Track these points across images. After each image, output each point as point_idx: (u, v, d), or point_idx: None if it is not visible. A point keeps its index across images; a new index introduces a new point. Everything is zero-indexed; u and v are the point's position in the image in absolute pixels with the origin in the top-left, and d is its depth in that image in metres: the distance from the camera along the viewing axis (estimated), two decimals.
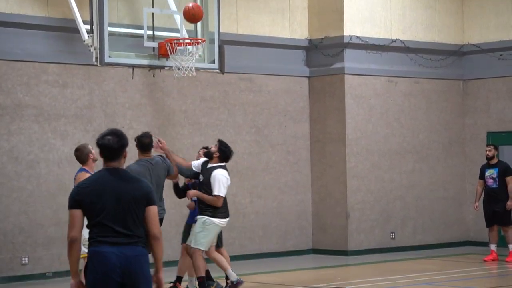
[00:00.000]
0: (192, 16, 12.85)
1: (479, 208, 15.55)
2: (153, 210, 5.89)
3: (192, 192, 11.31)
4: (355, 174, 16.76)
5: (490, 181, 15.32)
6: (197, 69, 14.07)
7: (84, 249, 9.78)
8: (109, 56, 13.19)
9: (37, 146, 13.94)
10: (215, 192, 11.05)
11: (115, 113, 14.74)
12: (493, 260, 15.14)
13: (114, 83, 14.75)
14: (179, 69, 13.61)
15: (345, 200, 16.64)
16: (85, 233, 8.16)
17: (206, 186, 11.13)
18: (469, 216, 18.17)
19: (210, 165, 11.21)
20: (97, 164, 12.78)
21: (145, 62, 13.79)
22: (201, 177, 11.27)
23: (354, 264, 15.68)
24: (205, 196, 11.07)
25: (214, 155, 11.25)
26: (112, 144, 5.89)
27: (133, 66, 14.00)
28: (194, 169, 11.36)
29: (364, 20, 16.97)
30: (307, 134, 17.03)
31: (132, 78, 14.41)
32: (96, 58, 13.14)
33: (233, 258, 15.88)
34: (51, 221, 13.89)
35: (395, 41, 17.35)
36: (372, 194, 17.07)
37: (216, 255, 11.37)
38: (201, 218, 11.14)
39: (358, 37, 16.82)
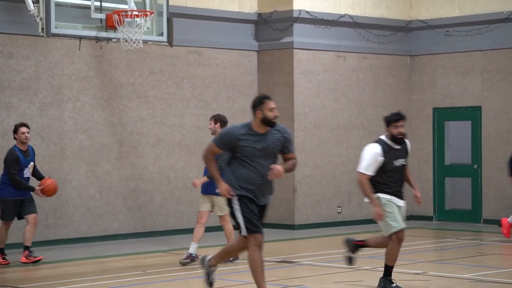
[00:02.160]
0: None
1: None
2: None
3: None
4: (302, 148, 16.82)
5: None
6: (145, 41, 13.96)
7: None
8: (56, 27, 13.02)
9: None
10: None
11: (62, 85, 14.57)
12: None
13: (61, 55, 14.56)
14: (126, 41, 13.49)
15: (293, 175, 16.69)
16: None
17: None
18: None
19: None
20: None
21: (92, 33, 13.64)
22: None
23: (300, 238, 15.77)
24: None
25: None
26: None
27: (80, 38, 13.84)
28: None
29: None
30: None
31: (79, 49, 14.24)
32: (42, 28, 12.96)
33: (182, 231, 15.88)
34: None
35: (344, 16, 17.40)
36: (319, 169, 17.16)
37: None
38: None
39: (307, 12, 16.82)
